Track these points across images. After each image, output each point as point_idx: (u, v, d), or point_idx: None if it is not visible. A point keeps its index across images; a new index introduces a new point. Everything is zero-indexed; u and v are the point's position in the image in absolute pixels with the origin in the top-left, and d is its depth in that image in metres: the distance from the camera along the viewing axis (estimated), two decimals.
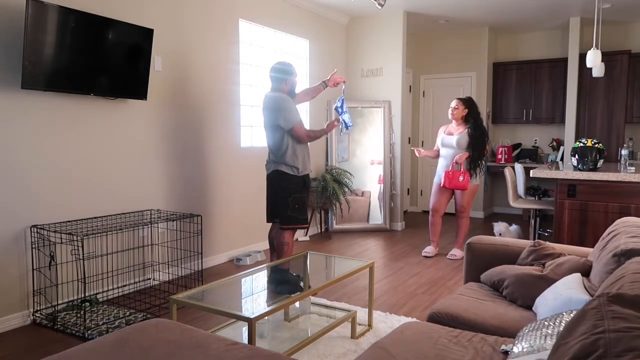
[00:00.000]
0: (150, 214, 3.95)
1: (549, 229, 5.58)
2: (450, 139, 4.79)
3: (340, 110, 3.89)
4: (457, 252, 4.88)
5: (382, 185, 6.26)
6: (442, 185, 4.79)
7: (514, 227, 5.45)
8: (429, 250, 4.98)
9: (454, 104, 4.80)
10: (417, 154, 4.94)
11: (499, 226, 5.41)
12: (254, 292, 2.67)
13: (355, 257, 4.46)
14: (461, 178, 4.67)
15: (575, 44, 6.47)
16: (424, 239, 5.71)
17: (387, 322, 3.16)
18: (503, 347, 1.78)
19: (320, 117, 6.12)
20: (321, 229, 6.19)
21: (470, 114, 4.76)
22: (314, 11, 5.90)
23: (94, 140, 3.59)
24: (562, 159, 6.76)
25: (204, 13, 4.43)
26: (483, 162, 4.81)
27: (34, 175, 3.23)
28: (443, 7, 5.98)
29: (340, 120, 3.87)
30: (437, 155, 4.98)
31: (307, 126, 5.75)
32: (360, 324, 3.09)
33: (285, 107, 3.52)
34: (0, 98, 3.04)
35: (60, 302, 3.35)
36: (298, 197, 3.59)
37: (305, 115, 5.82)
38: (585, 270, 2.28)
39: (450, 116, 4.82)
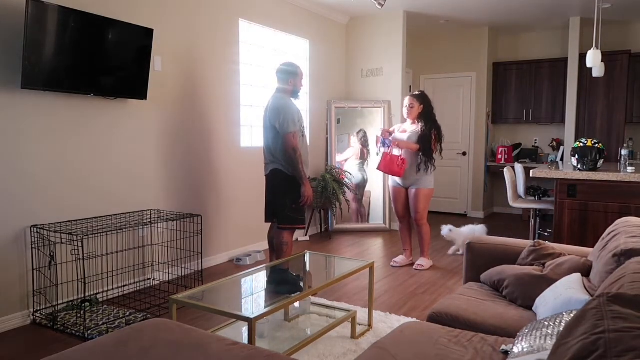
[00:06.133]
0: (150, 214, 3.95)
1: (549, 229, 5.58)
2: (402, 137, 4.45)
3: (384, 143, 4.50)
4: (424, 262, 4.54)
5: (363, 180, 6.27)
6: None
7: (480, 227, 5.01)
8: (399, 259, 4.67)
9: (407, 102, 4.44)
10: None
11: (445, 229, 5.02)
12: (254, 292, 2.67)
13: (355, 257, 4.45)
14: (397, 165, 4.32)
15: (575, 44, 6.47)
16: None
17: (387, 322, 3.16)
18: (503, 347, 1.78)
19: (321, 118, 6.12)
20: (321, 229, 6.19)
21: (424, 111, 4.41)
22: (314, 11, 5.90)
23: (94, 139, 3.59)
24: (562, 159, 6.77)
25: (203, 13, 4.43)
26: (433, 160, 4.40)
27: (33, 175, 3.23)
28: (443, 7, 5.98)
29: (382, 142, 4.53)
30: None
31: (307, 129, 5.75)
32: (360, 324, 3.09)
33: (287, 112, 3.53)
34: (0, 98, 3.04)
35: (60, 302, 3.35)
36: (296, 196, 3.59)
37: (306, 114, 5.82)
38: (585, 270, 2.28)
39: (406, 116, 4.48)
